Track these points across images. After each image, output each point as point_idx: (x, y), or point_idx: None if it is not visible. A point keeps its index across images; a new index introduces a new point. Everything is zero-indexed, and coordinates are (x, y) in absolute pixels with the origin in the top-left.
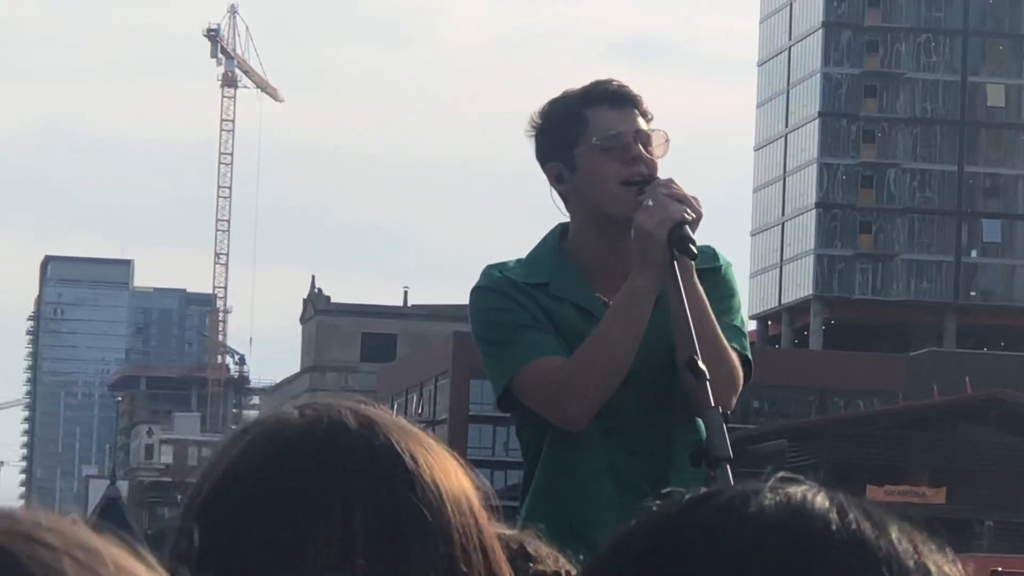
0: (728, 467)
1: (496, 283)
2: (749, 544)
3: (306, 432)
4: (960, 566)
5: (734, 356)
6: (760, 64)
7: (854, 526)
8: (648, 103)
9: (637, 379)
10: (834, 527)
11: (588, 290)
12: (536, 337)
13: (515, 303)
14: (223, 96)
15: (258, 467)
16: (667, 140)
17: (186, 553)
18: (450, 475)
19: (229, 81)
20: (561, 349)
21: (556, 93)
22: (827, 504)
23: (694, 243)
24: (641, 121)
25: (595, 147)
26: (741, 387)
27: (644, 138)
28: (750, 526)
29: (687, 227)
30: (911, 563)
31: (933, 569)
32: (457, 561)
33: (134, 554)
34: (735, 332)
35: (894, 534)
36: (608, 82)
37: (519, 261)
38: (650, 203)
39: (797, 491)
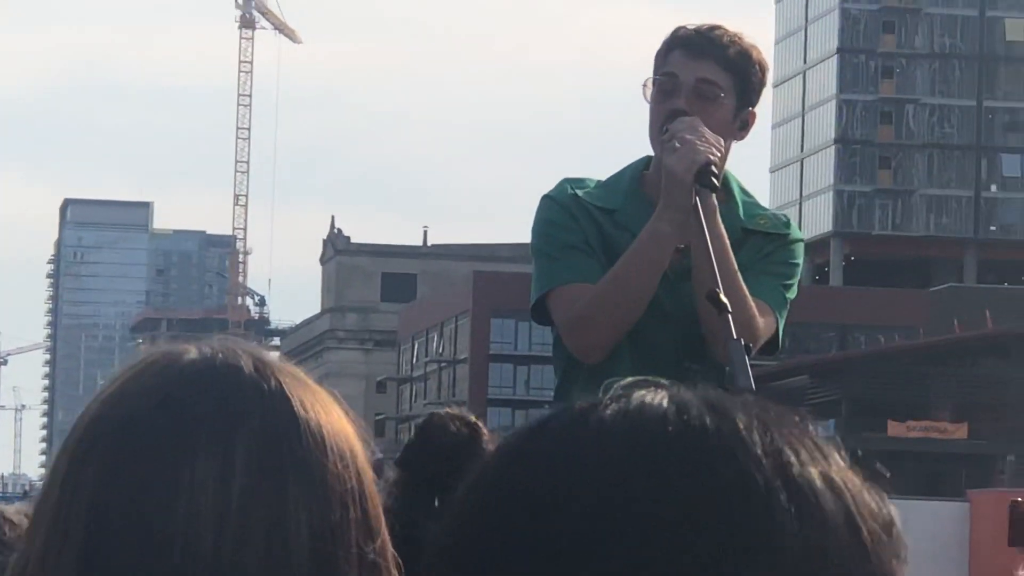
0: None
1: (564, 198)
2: (588, 459)
3: (198, 366)
4: (841, 455)
5: (755, 307)
6: (777, 0)
7: (694, 421)
8: (740, 53)
9: (675, 316)
10: (670, 425)
11: None
12: (580, 261)
13: (574, 222)
14: (241, 37)
15: (143, 393)
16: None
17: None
18: (336, 426)
19: (247, 22)
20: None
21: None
22: (665, 403)
23: (716, 177)
24: (715, 71)
25: (652, 86)
26: (760, 343)
27: (706, 90)
28: (589, 440)
29: (712, 167)
30: (759, 450)
31: (789, 453)
32: (333, 508)
33: None
34: (780, 299)
35: (741, 424)
36: (691, 28)
37: (599, 182)
38: (677, 144)
39: (636, 396)
